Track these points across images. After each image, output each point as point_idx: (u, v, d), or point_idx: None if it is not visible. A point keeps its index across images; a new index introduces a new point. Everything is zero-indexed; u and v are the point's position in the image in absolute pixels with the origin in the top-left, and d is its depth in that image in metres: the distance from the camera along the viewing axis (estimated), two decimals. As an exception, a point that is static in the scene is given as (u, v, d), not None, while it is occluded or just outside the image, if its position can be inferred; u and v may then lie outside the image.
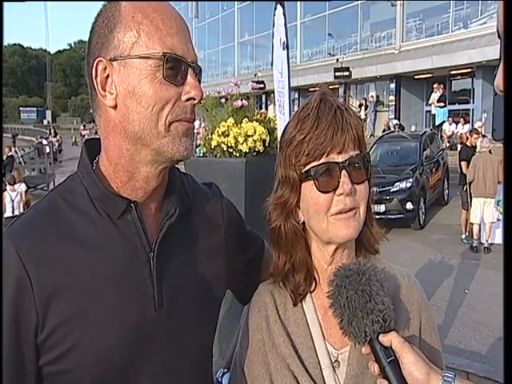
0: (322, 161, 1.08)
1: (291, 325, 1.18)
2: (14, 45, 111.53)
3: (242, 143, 3.43)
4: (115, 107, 0.99)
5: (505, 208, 0.58)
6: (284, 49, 3.11)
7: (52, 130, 38.23)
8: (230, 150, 3.49)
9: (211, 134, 3.57)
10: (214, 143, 3.53)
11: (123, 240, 1.02)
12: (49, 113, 68.57)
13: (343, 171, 1.08)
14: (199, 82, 1.04)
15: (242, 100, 3.56)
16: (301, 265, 1.17)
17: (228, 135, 3.46)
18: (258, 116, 3.66)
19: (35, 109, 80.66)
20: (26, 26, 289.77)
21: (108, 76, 0.99)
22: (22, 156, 23.99)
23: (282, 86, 3.25)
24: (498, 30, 0.68)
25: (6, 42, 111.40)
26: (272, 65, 3.65)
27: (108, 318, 0.99)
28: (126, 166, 1.03)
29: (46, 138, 30.99)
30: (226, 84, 4.06)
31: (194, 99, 1.01)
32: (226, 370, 1.41)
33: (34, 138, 35.47)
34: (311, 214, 1.12)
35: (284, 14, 3.11)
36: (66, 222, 1.01)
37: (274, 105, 3.68)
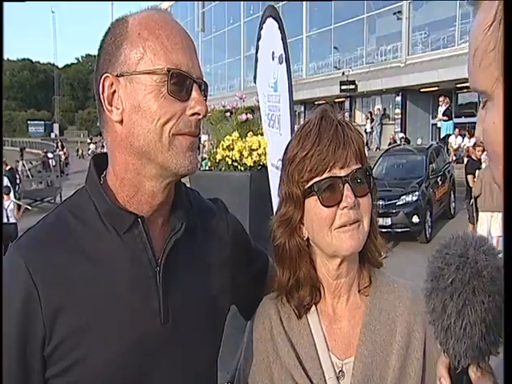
0: (324, 176, 1.10)
1: (295, 336, 1.18)
2: (24, 60, 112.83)
3: (247, 157, 3.44)
4: (121, 122, 1.01)
5: (504, 220, 0.56)
6: (281, 62, 3.10)
7: (59, 144, 38.51)
8: (235, 164, 3.50)
9: (216, 148, 3.58)
10: (218, 157, 3.54)
11: (130, 255, 1.03)
12: (56, 126, 68.94)
13: (346, 185, 1.09)
14: (205, 97, 1.05)
15: (246, 114, 3.57)
16: (305, 280, 1.18)
17: (233, 149, 3.47)
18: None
19: (43, 122, 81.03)
20: (35, 41, 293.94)
21: (115, 91, 1.01)
22: (29, 169, 24.14)
23: (276, 100, 3.23)
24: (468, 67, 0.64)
25: (15, 57, 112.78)
26: (255, 79, 3.63)
27: (114, 331, 0.99)
28: (132, 181, 1.04)
29: (53, 152, 31.20)
30: (231, 97, 4.08)
31: (199, 114, 1.02)
32: (230, 385, 1.41)
33: (42, 151, 35.75)
34: (315, 229, 1.13)
35: (280, 28, 3.10)
36: (74, 236, 1.02)
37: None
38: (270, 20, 3.26)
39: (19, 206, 11.73)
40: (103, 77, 1.01)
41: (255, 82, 3.64)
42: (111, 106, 1.01)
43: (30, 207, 14.22)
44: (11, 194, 11.44)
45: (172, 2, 41.94)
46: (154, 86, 0.98)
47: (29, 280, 0.95)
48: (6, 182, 12.34)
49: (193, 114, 1.01)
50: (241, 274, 1.26)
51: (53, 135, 64.32)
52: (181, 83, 1.00)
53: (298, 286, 1.19)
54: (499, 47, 0.57)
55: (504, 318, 0.61)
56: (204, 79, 1.06)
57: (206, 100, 1.05)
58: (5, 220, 10.45)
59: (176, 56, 1.00)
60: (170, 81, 0.98)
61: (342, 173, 1.10)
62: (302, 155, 1.11)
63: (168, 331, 1.04)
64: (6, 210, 10.59)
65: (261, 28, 3.42)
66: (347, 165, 1.10)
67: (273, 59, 3.22)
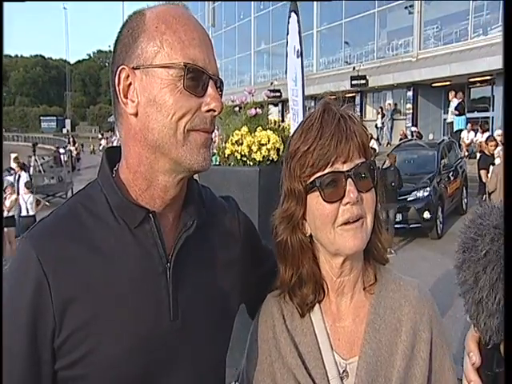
0: (326, 171, 1.07)
1: (298, 335, 1.17)
2: (36, 56, 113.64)
3: (256, 152, 3.43)
4: (136, 115, 1.01)
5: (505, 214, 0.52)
6: (298, 57, 3.11)
7: (71, 139, 38.76)
8: (244, 159, 3.49)
9: (225, 143, 3.58)
10: (227, 152, 3.53)
11: (140, 249, 1.03)
12: (68, 122, 69.49)
13: (349, 180, 1.06)
14: (220, 94, 1.04)
15: (255, 108, 3.56)
16: (308, 277, 1.16)
17: (242, 144, 3.46)
18: (272, 124, 3.66)
19: (55, 118, 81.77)
20: (48, 38, 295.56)
21: (130, 84, 1.00)
22: (41, 164, 24.30)
23: (295, 94, 3.24)
24: None
25: (28, 54, 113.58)
26: (286, 73, 3.66)
27: (122, 326, 0.99)
28: (145, 174, 1.03)
29: (65, 147, 31.40)
30: (241, 93, 4.06)
31: (214, 111, 1.01)
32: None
33: (54, 146, 36.00)
34: (318, 225, 1.11)
35: (298, 22, 3.12)
36: (85, 228, 1.02)
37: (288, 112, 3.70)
38: (293, 14, 3.30)
39: (38, 201, 12.17)
40: (119, 68, 1.00)
41: (286, 76, 3.68)
42: (126, 98, 1.01)
43: (48, 203, 14.56)
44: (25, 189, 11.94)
45: (182, -3, 41.90)
46: (170, 80, 0.97)
47: (39, 270, 0.95)
48: (26, 176, 13.11)
49: (208, 111, 1.01)
50: (250, 273, 1.26)
51: (65, 131, 64.94)
52: (197, 79, 0.99)
53: (300, 284, 1.17)
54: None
55: (505, 318, 0.58)
56: (220, 76, 1.05)
57: (221, 97, 1.04)
58: (25, 213, 11.24)
59: (193, 51, 0.99)
60: (186, 76, 0.97)
61: (345, 167, 1.07)
62: (304, 150, 1.09)
63: (177, 327, 1.04)
64: (26, 203, 11.30)
65: (288, 22, 3.48)
66: (350, 159, 1.07)
67: (294, 53, 3.25)
